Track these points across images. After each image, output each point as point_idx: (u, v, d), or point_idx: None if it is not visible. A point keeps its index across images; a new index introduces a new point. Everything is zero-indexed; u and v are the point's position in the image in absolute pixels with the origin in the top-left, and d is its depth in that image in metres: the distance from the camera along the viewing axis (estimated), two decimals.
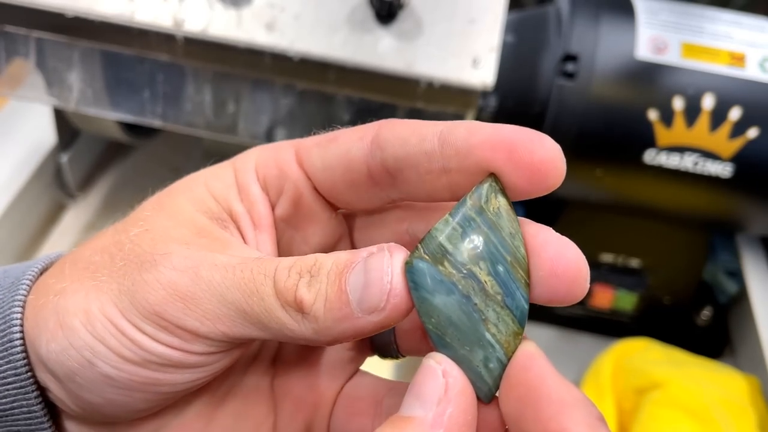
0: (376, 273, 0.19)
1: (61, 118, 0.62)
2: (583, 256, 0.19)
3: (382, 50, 0.46)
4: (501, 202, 0.20)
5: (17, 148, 0.62)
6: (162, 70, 0.49)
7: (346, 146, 0.22)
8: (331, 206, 0.25)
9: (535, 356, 0.19)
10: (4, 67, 0.50)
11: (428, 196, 0.22)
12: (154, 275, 0.20)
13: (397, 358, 0.27)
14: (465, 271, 0.19)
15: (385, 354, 0.27)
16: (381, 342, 0.27)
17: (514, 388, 0.19)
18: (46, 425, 0.22)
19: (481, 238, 0.19)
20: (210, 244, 0.22)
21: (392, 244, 0.20)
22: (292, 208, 0.24)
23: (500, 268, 0.19)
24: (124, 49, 0.47)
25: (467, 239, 0.19)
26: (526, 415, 0.18)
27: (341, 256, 0.20)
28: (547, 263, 0.19)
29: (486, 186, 0.20)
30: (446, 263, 0.19)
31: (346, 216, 0.26)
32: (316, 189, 0.24)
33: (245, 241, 0.23)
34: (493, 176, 0.20)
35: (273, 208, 0.24)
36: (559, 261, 0.19)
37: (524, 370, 0.19)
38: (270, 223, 0.24)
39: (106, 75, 0.50)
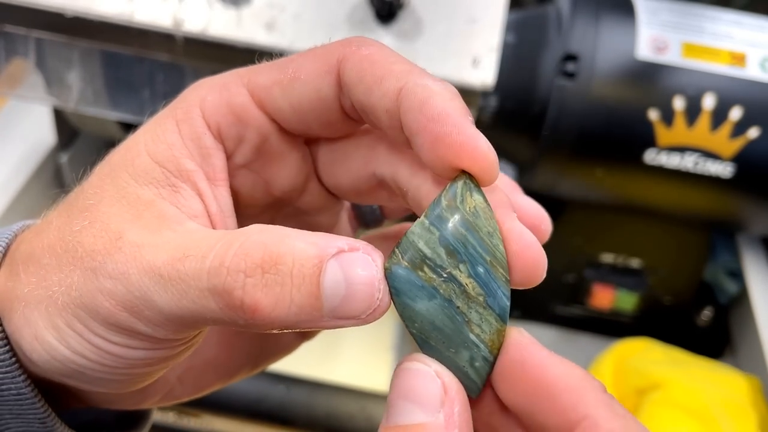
0: (365, 287, 0.18)
1: (60, 118, 0.62)
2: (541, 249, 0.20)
3: None
4: (477, 201, 0.19)
5: (17, 148, 0.62)
6: (162, 69, 0.49)
7: (313, 85, 0.21)
8: (298, 138, 0.24)
9: (526, 345, 0.19)
10: (4, 66, 0.50)
11: (397, 141, 0.21)
12: (96, 285, 0.19)
13: (381, 225, 0.27)
14: (445, 275, 0.19)
15: (371, 225, 0.28)
16: (371, 218, 0.28)
17: (518, 383, 0.19)
18: (38, 405, 0.22)
19: (459, 241, 0.19)
20: (147, 224, 0.20)
21: (368, 246, 0.19)
22: (256, 154, 0.23)
23: (480, 269, 0.19)
24: (123, 49, 0.47)
25: (445, 242, 0.19)
26: (542, 408, 0.18)
27: (303, 249, 0.18)
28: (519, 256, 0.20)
29: (460, 184, 0.19)
30: (426, 268, 0.19)
31: (310, 147, 0.25)
32: (281, 128, 0.22)
33: (202, 198, 0.21)
34: (467, 174, 0.20)
35: (229, 156, 0.22)
36: (527, 252, 0.20)
37: (521, 363, 0.19)
38: (225, 177, 0.22)
39: (106, 75, 0.50)
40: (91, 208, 0.21)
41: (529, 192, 0.60)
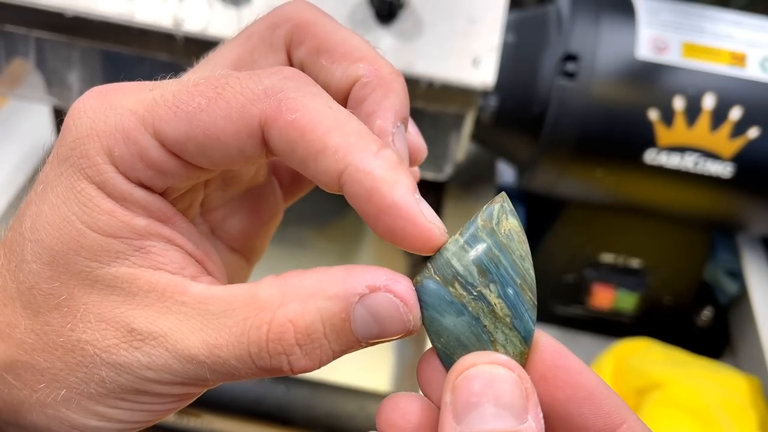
0: (395, 321, 0.19)
1: (60, 118, 0.62)
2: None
3: (382, 50, 0.46)
4: (512, 224, 0.20)
5: (17, 148, 0.62)
6: (162, 69, 0.48)
7: (235, 146, 0.19)
8: None
9: (565, 352, 0.20)
10: (4, 66, 0.50)
11: None
12: (136, 375, 0.19)
13: None
14: (475, 293, 0.19)
15: None
16: None
17: (563, 387, 0.19)
18: None
19: (491, 261, 0.19)
20: (147, 304, 0.20)
21: (389, 277, 0.19)
22: (193, 189, 0.22)
23: (510, 291, 0.19)
24: (124, 49, 0.47)
25: (478, 261, 0.19)
26: (585, 411, 0.19)
27: (328, 308, 0.19)
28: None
29: (497, 207, 0.20)
30: (457, 284, 0.19)
31: None
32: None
33: (174, 243, 0.21)
34: (504, 196, 0.20)
35: (164, 193, 0.21)
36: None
37: (565, 368, 0.19)
38: (175, 211, 0.21)
39: (106, 75, 0.50)
40: (66, 304, 0.20)
41: (530, 192, 0.60)
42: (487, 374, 0.18)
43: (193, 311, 0.19)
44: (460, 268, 0.19)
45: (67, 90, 0.50)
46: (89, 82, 0.50)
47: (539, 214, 0.62)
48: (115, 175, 0.19)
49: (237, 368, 0.19)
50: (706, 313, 0.61)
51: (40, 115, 0.64)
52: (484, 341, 0.19)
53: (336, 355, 0.19)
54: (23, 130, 0.63)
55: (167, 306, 0.19)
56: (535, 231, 0.61)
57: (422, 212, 0.19)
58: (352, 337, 0.19)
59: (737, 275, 0.61)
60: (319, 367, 0.19)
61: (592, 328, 0.62)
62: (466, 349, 0.19)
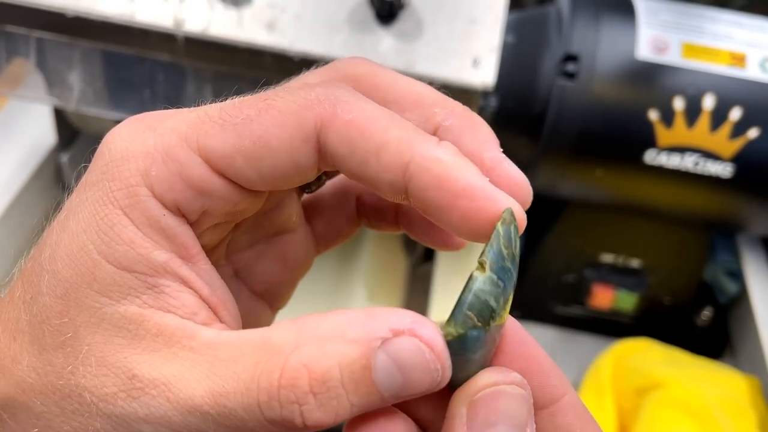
0: (421, 372, 0.17)
1: (61, 118, 0.62)
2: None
3: (382, 51, 0.46)
4: (519, 242, 0.19)
5: (17, 148, 0.62)
6: (162, 69, 0.49)
7: (287, 155, 0.18)
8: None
9: (521, 328, 0.20)
10: (5, 66, 0.50)
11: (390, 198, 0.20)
12: (134, 428, 0.18)
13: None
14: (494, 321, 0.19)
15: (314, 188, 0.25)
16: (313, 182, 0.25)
17: (516, 361, 0.19)
18: None
19: (511, 283, 0.19)
20: (153, 349, 0.18)
21: (414, 321, 0.17)
22: (225, 216, 0.21)
23: (509, 292, 0.19)
24: (124, 49, 0.47)
25: (508, 292, 0.19)
26: (534, 384, 0.19)
27: (346, 353, 0.17)
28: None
29: (512, 227, 0.19)
30: (490, 320, 0.18)
31: None
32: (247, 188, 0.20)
33: (190, 286, 0.19)
34: (511, 212, 0.19)
35: (194, 224, 0.20)
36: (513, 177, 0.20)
37: (520, 344, 0.19)
38: (199, 249, 0.20)
39: (107, 75, 0.50)
40: (70, 343, 0.19)
41: None
42: (507, 395, 0.18)
43: (201, 357, 0.18)
44: (495, 305, 0.18)
45: (68, 90, 0.50)
46: (90, 82, 0.50)
47: (539, 214, 0.62)
48: (147, 198, 0.18)
49: (244, 420, 0.17)
50: (706, 313, 0.61)
51: (40, 115, 0.64)
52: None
53: (354, 410, 0.17)
54: (23, 130, 0.63)
55: (174, 352, 0.18)
56: (535, 231, 0.61)
57: (499, 191, 0.18)
58: (373, 388, 0.17)
59: (737, 275, 0.61)
60: (335, 423, 0.17)
61: (591, 328, 0.62)
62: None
